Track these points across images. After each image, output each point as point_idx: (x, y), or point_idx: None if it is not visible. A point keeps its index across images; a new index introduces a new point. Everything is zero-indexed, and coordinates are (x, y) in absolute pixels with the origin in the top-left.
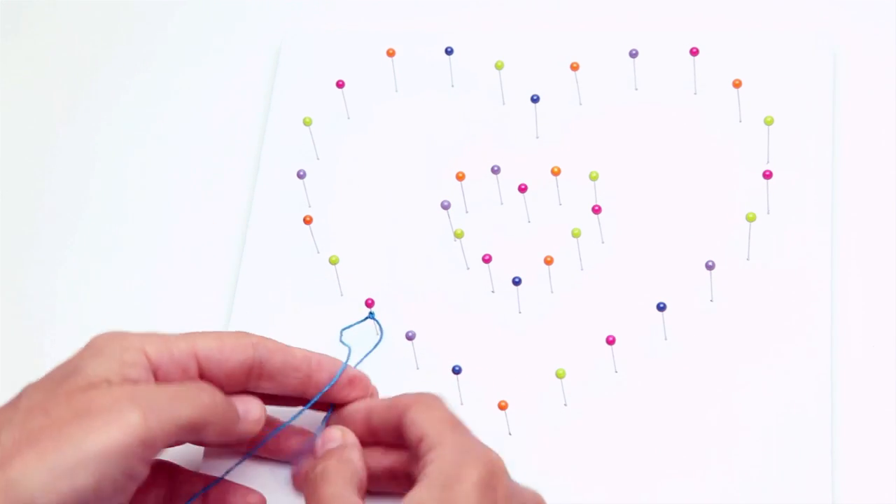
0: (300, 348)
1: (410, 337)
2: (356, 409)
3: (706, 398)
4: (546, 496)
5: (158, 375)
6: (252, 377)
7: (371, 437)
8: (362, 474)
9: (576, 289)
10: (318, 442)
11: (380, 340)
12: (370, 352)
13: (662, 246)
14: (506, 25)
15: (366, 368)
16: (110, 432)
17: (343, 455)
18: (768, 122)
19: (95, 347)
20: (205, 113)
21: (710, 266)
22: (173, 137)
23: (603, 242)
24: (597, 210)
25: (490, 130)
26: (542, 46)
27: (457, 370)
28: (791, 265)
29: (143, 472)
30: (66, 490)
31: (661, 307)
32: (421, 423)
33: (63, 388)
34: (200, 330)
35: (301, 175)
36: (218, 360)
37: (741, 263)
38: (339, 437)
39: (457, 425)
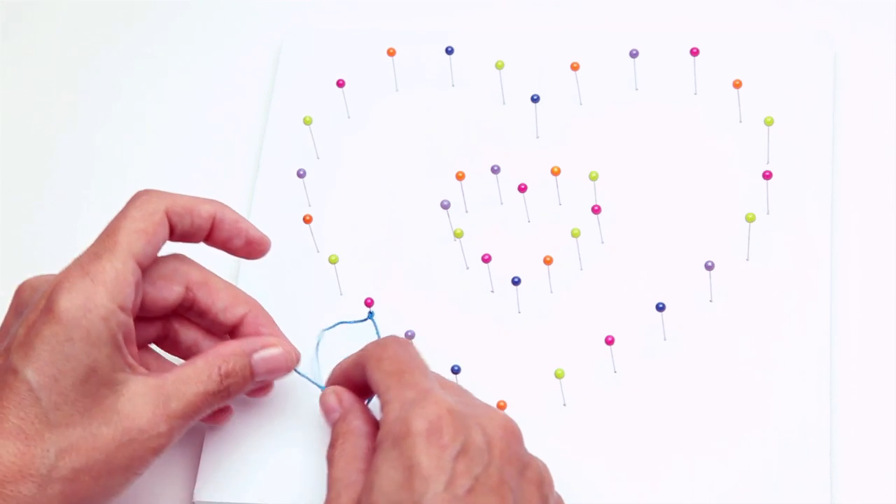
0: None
1: (410, 336)
2: (336, 374)
3: (705, 398)
4: None
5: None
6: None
7: (363, 391)
8: (366, 435)
9: (575, 289)
10: (322, 412)
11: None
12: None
13: (662, 246)
14: (506, 25)
15: None
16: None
17: (342, 427)
18: (768, 122)
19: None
20: (205, 111)
21: (709, 266)
22: (174, 136)
23: (602, 242)
24: (596, 210)
25: (490, 130)
26: (542, 46)
27: (456, 370)
28: (791, 265)
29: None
30: None
31: (660, 307)
32: (373, 381)
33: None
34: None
35: (301, 174)
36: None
37: (741, 264)
38: (336, 404)
39: (403, 375)
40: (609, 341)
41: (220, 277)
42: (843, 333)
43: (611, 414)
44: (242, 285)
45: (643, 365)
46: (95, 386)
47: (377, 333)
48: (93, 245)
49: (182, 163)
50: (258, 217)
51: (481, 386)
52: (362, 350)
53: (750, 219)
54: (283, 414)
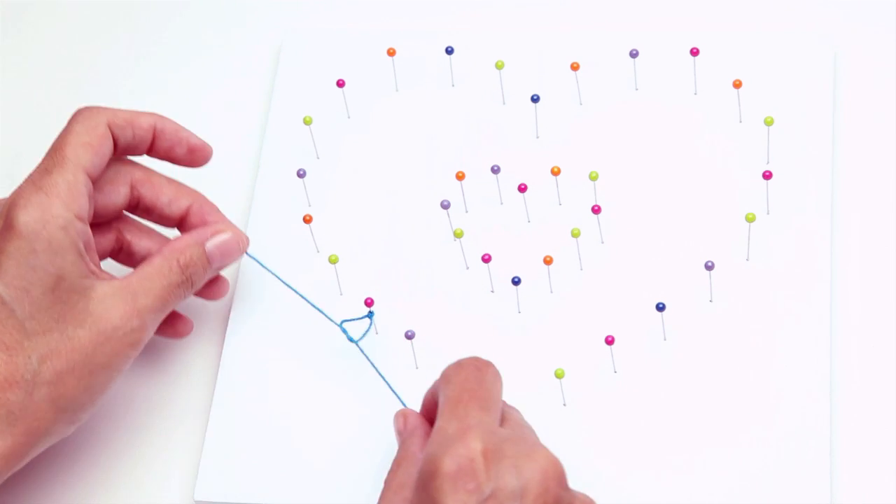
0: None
1: (410, 336)
2: (427, 392)
3: (705, 398)
4: None
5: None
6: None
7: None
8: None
9: (575, 289)
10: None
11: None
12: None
13: (662, 246)
14: (506, 25)
15: (363, 368)
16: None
17: (401, 453)
18: (768, 122)
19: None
20: (205, 111)
21: (709, 266)
22: None
23: (603, 242)
24: (596, 210)
25: (490, 130)
26: (542, 46)
27: None
28: (791, 265)
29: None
30: None
31: (660, 307)
32: (438, 403)
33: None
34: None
35: (301, 174)
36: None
37: (741, 264)
38: (402, 426)
39: (458, 404)
40: (609, 341)
41: (162, 174)
42: (843, 333)
43: (611, 414)
44: (242, 285)
45: (643, 365)
46: (65, 293)
47: (374, 332)
48: (41, 162)
49: None
50: (258, 217)
51: None
52: (445, 368)
53: (750, 219)
54: (283, 414)
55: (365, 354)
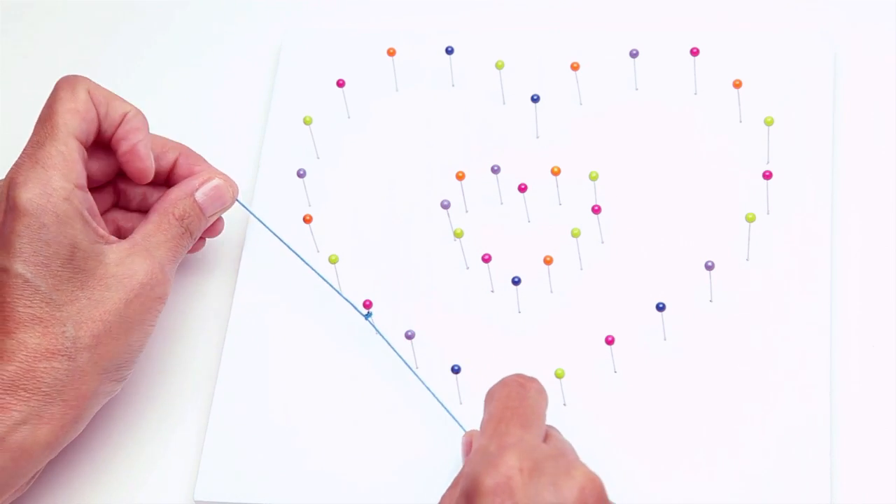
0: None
1: (410, 336)
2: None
3: (705, 398)
4: None
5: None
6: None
7: None
8: None
9: (575, 289)
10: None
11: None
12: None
13: (662, 246)
14: (506, 25)
15: (363, 368)
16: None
17: (462, 472)
18: (768, 122)
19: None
20: (205, 111)
21: (709, 266)
22: (174, 136)
23: (603, 242)
24: (596, 210)
25: (490, 130)
26: (542, 46)
27: (456, 370)
28: (791, 265)
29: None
30: None
31: (660, 307)
32: (482, 420)
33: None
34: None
35: (301, 174)
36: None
37: (741, 264)
38: (468, 446)
39: (499, 422)
40: (609, 341)
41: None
42: (843, 333)
43: (611, 414)
44: (242, 285)
45: (643, 365)
46: (81, 261)
47: (373, 332)
48: (33, 135)
49: None
50: (258, 217)
51: (481, 385)
52: (491, 387)
53: (750, 219)
54: (283, 414)
55: (398, 354)
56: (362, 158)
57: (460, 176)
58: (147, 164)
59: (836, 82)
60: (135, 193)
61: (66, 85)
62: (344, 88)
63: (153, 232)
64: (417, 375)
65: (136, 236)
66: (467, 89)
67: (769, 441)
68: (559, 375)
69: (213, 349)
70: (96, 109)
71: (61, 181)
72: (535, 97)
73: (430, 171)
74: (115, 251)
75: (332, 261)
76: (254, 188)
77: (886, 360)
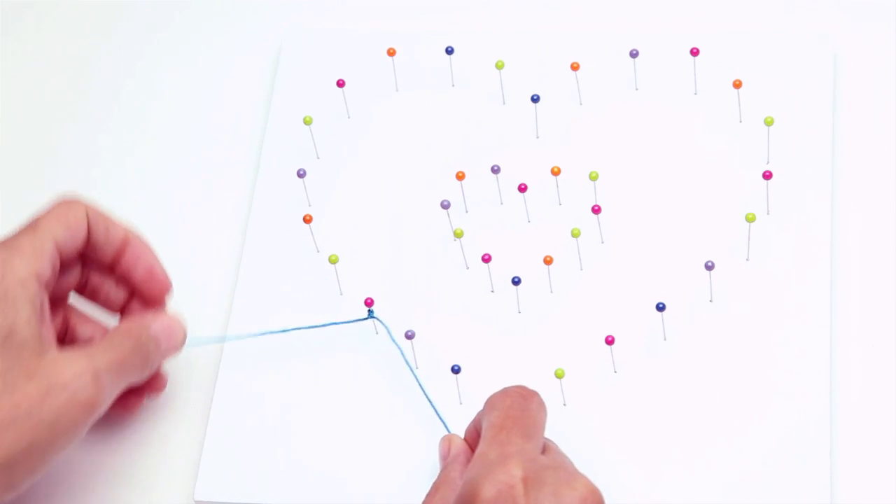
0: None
1: (410, 336)
2: (475, 417)
3: (705, 398)
4: None
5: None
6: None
7: None
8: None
9: (575, 289)
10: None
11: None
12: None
13: (662, 246)
14: (506, 25)
15: (363, 369)
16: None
17: (441, 477)
18: (768, 122)
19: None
20: (205, 112)
21: (709, 266)
22: (173, 136)
23: (603, 242)
24: (596, 210)
25: (490, 130)
26: (542, 46)
27: (456, 370)
28: (791, 265)
29: None
30: None
31: (660, 307)
32: (481, 429)
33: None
34: None
35: (301, 174)
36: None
37: (741, 264)
38: (445, 451)
39: (500, 431)
40: (609, 341)
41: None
42: (843, 333)
43: (611, 414)
44: (242, 285)
45: (643, 365)
46: (16, 347)
47: (374, 332)
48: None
49: (182, 163)
50: (258, 217)
51: (481, 386)
52: (490, 395)
53: (750, 219)
54: (283, 414)
55: (402, 354)
56: (362, 158)
57: (460, 176)
58: (167, 282)
59: (836, 82)
60: (83, 328)
61: (62, 202)
62: (344, 88)
63: (99, 342)
64: (416, 376)
65: (87, 345)
66: (467, 89)
67: (769, 441)
68: (559, 375)
69: (213, 349)
70: (90, 229)
71: (21, 266)
72: (535, 97)
73: (430, 172)
74: (56, 350)
75: (332, 261)
76: (254, 188)
77: (886, 360)
